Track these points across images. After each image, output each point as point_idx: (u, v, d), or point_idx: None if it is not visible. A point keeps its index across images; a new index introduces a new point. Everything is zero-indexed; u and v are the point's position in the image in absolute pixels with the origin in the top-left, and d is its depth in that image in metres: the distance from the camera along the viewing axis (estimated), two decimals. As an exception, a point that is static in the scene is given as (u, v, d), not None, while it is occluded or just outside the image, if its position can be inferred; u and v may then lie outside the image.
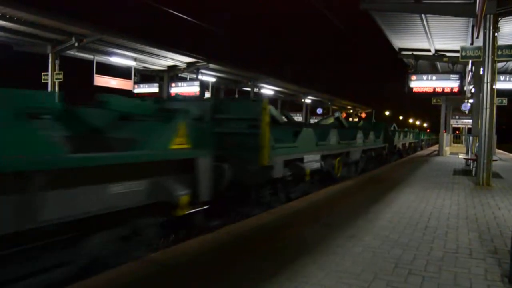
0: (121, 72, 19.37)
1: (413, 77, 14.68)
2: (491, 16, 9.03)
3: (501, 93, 15.44)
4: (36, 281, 3.10)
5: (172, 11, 15.60)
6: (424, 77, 14.71)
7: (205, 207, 4.59)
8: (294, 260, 3.59)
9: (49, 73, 15.50)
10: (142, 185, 3.71)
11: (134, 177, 3.62)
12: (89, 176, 3.21)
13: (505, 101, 19.79)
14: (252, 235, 4.52)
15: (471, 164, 12.20)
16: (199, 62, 20.26)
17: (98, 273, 3.23)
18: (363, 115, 50.14)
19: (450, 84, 14.40)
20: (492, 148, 9.86)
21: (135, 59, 18.66)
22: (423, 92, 14.61)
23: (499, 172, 12.17)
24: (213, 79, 23.75)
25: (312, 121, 39.65)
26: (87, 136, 4.16)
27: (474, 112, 13.98)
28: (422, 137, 32.57)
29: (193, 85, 21.11)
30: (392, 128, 20.41)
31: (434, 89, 14.56)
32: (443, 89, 14.52)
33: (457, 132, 45.54)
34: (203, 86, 21.29)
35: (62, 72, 15.64)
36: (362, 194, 7.60)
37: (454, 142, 36.36)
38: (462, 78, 14.57)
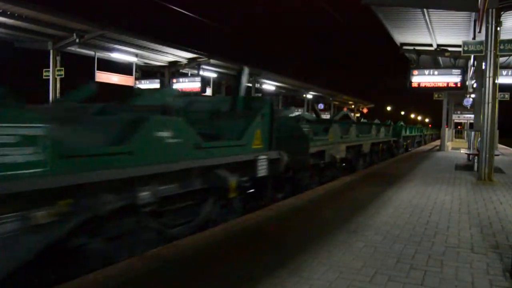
0: (123, 68, 19.37)
1: (415, 72, 14.61)
2: (494, 10, 8.98)
3: (503, 87, 15.38)
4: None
5: (173, 7, 15.57)
6: (426, 72, 14.64)
7: None
8: (296, 255, 3.60)
9: (50, 69, 15.50)
10: None
11: None
12: None
13: (507, 96, 19.73)
14: (253, 230, 4.53)
15: (473, 159, 12.18)
16: (200, 58, 20.24)
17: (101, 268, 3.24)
18: (365, 110, 50.07)
19: (452, 79, 14.34)
20: (494, 143, 9.84)
21: (136, 55, 18.64)
22: (425, 87, 14.56)
23: (501, 167, 12.15)
24: (214, 75, 23.73)
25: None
26: None
27: (476, 107, 13.94)
28: (406, 133, 21.48)
29: (194, 81, 21.11)
30: (340, 114, 14.82)
31: (436, 84, 14.50)
32: (445, 84, 14.46)
33: (459, 127, 45.28)
34: (204, 81, 21.28)
35: (63, 68, 15.65)
36: (362, 190, 7.60)
37: (456, 137, 36.24)
38: (464, 73, 14.50)
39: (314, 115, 11.10)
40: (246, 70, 6.02)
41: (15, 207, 2.68)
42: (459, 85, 14.33)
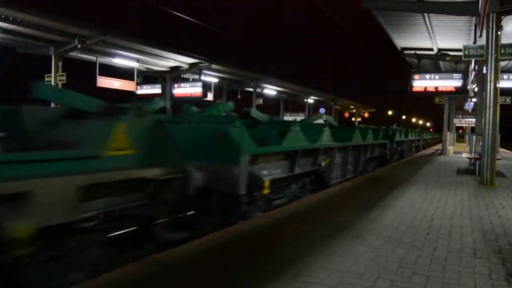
0: (124, 73, 19.43)
1: (416, 76, 14.62)
2: (494, 14, 9.00)
3: (505, 92, 15.37)
4: None
5: (174, 12, 15.64)
6: (427, 76, 14.65)
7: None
8: (297, 260, 3.59)
9: (52, 74, 15.56)
10: None
11: None
12: None
13: (508, 100, 19.73)
14: (254, 235, 4.52)
15: (475, 163, 12.15)
16: (202, 63, 20.29)
17: (102, 273, 3.23)
18: (366, 115, 50.07)
19: (453, 83, 14.34)
20: (495, 147, 9.82)
21: (137, 60, 18.70)
22: (426, 91, 14.57)
23: (502, 171, 12.12)
24: (215, 80, 23.78)
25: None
26: None
27: (477, 111, 13.93)
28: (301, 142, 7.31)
29: (196, 86, 21.14)
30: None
31: (437, 88, 14.51)
32: (446, 88, 14.47)
33: (460, 131, 45.20)
34: (206, 87, 21.32)
35: (65, 73, 15.70)
36: (364, 194, 7.58)
37: (457, 141, 36.18)
38: (465, 77, 14.51)
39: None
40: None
41: None
42: (460, 89, 14.34)
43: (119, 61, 18.12)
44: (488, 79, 9.20)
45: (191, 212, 5.37)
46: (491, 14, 8.95)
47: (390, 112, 69.48)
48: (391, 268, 3.45)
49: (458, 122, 36.04)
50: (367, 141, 11.48)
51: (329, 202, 6.74)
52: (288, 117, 33.50)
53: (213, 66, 20.76)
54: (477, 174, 10.78)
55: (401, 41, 15.32)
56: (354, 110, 48.45)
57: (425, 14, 11.64)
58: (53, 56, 15.42)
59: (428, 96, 15.95)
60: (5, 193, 2.76)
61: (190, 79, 22.29)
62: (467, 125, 39.12)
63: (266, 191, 5.84)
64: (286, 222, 5.17)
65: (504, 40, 9.69)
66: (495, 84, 9.18)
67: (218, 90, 26.19)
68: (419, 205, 6.44)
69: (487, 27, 9.07)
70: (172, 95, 21.48)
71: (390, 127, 18.98)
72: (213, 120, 6.65)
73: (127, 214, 4.01)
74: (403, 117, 78.37)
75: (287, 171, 6.77)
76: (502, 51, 9.33)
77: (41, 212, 2.98)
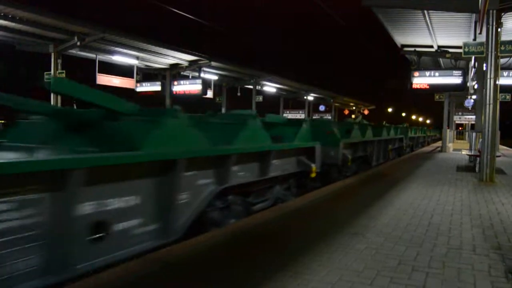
0: (124, 71, 19.41)
1: (416, 74, 14.62)
2: (494, 11, 9.00)
3: (504, 88, 15.36)
4: None
5: (174, 9, 15.61)
6: (427, 73, 14.64)
7: None
8: (297, 258, 3.60)
9: (52, 72, 15.54)
10: None
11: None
12: None
13: (508, 97, 19.72)
14: (255, 233, 4.53)
15: (475, 160, 12.16)
16: (201, 60, 20.26)
17: (103, 271, 3.24)
18: (366, 112, 50.04)
19: (453, 80, 14.34)
20: (495, 144, 9.83)
21: (137, 58, 18.67)
22: (425, 88, 14.56)
23: (502, 168, 12.14)
24: (215, 77, 23.75)
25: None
26: None
27: (477, 108, 13.93)
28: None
29: (195, 83, 21.13)
30: None
31: (437, 85, 14.51)
32: (446, 85, 14.46)
33: (460, 128, 45.14)
34: (205, 84, 21.31)
35: (64, 71, 15.68)
36: (364, 191, 7.59)
37: (457, 139, 36.16)
38: (465, 74, 14.50)
39: None
40: None
41: None
42: (460, 86, 14.33)
43: (118, 59, 18.09)
44: (488, 76, 9.21)
45: None
46: (491, 11, 8.94)
47: (390, 109, 69.39)
48: (391, 265, 3.46)
49: (458, 119, 35.99)
50: (237, 144, 5.07)
51: (329, 199, 6.75)
52: (287, 115, 33.50)
53: (213, 63, 20.73)
54: (477, 171, 10.79)
55: (400, 38, 15.30)
56: (354, 107, 48.42)
57: (425, 11, 11.62)
58: (52, 54, 15.39)
59: (428, 93, 15.92)
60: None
61: (190, 77, 22.26)
62: (467, 122, 39.06)
63: None
64: (286, 220, 5.18)
65: (504, 37, 9.67)
66: (495, 81, 9.18)
67: (218, 87, 26.17)
68: (418, 202, 6.45)
69: (487, 24, 9.07)
70: (171, 92, 21.48)
71: (355, 119, 14.89)
72: None
73: None
74: (403, 114, 78.35)
75: None
76: (502, 48, 9.32)
77: None
